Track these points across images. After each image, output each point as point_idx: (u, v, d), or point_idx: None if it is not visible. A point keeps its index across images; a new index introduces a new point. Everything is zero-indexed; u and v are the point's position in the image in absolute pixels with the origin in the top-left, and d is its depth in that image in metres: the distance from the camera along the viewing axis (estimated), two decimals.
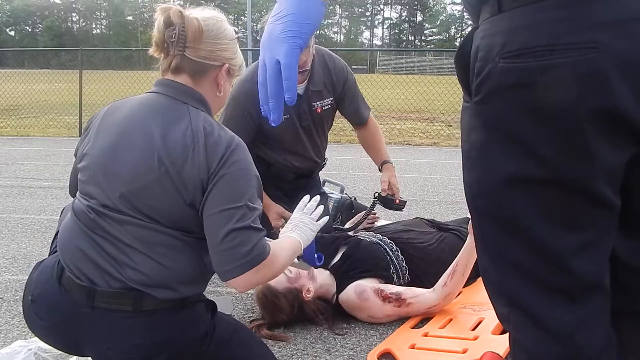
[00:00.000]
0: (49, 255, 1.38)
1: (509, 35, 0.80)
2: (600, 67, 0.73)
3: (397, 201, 2.38)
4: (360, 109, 2.47)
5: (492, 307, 1.00)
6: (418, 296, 1.94)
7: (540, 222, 0.83)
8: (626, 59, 0.73)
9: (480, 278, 2.27)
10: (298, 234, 1.40)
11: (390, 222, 2.58)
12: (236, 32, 1.34)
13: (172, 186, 1.19)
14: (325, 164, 2.58)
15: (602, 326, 0.87)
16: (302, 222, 1.43)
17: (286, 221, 2.26)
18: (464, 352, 1.70)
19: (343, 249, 2.09)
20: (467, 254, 1.95)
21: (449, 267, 2.00)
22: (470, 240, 1.97)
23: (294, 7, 0.83)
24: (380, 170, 2.50)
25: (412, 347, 1.77)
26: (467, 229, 2.32)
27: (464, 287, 2.19)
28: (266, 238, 1.25)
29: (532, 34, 0.77)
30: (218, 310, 1.36)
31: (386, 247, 2.08)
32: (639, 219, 0.88)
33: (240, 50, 1.39)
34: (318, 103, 2.33)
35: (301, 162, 2.41)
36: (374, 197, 2.45)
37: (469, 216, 2.80)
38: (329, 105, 2.38)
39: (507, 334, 0.96)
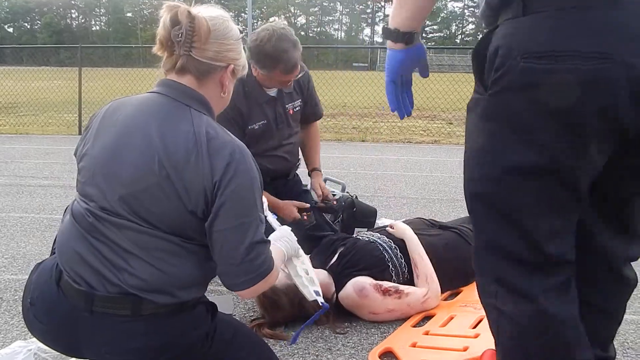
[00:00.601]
0: (50, 255, 1.37)
1: (532, 37, 0.88)
2: (612, 76, 0.83)
3: (334, 202, 2.58)
4: (319, 105, 2.64)
5: None
6: (411, 286, 2.00)
7: (527, 209, 0.96)
8: (635, 73, 0.82)
9: None
10: (283, 244, 1.45)
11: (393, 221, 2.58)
12: (241, 32, 1.31)
13: (173, 191, 1.17)
14: (299, 164, 2.65)
15: (566, 294, 1.00)
16: (284, 234, 1.50)
17: (300, 211, 2.33)
18: (465, 350, 1.70)
19: (340, 249, 2.12)
20: (413, 244, 2.08)
21: (449, 264, 2.08)
22: (407, 232, 2.12)
23: (386, 59, 1.14)
24: (309, 174, 2.65)
25: (414, 345, 1.77)
26: (468, 228, 2.32)
27: (464, 286, 2.19)
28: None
29: (554, 39, 0.86)
30: (218, 310, 1.35)
31: (384, 244, 2.10)
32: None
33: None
34: (290, 105, 2.44)
35: (275, 164, 2.47)
36: (315, 205, 2.59)
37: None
38: (299, 107, 2.49)
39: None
